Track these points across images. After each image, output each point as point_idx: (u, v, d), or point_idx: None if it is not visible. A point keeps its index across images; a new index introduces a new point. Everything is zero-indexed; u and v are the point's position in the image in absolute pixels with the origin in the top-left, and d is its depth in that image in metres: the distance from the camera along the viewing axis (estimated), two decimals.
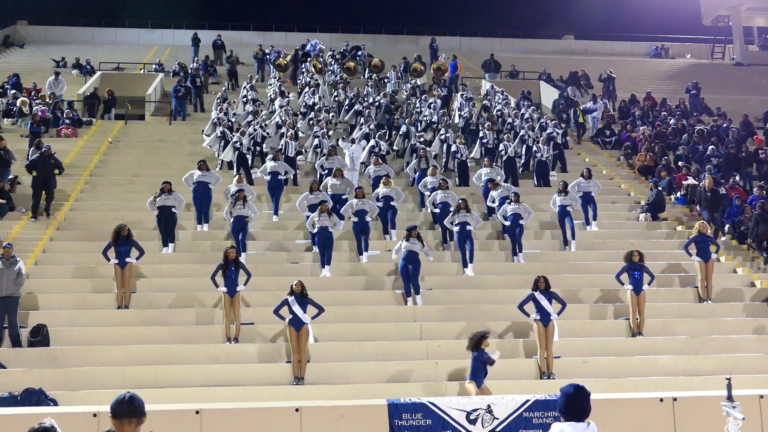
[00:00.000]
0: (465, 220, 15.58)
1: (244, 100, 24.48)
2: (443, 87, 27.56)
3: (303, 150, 20.52)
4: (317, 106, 23.61)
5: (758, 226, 16.71)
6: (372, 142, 20.08)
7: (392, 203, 16.79)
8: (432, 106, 23.50)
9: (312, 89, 25.38)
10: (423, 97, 24.99)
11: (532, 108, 24.94)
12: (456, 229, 15.63)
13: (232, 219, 15.68)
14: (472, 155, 20.90)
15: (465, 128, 22.72)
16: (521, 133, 21.37)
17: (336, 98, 25.73)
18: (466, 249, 15.59)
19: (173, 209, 15.84)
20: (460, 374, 12.36)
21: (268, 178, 17.76)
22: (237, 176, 17.44)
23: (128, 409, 4.72)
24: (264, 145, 20.43)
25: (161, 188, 15.88)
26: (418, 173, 18.71)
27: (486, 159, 19.41)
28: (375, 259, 16.00)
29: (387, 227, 16.84)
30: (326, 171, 18.38)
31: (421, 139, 20.97)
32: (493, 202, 17.36)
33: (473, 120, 22.99)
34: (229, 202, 16.03)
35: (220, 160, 20.24)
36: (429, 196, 17.36)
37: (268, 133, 21.09)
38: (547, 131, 21.47)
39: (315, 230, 15.34)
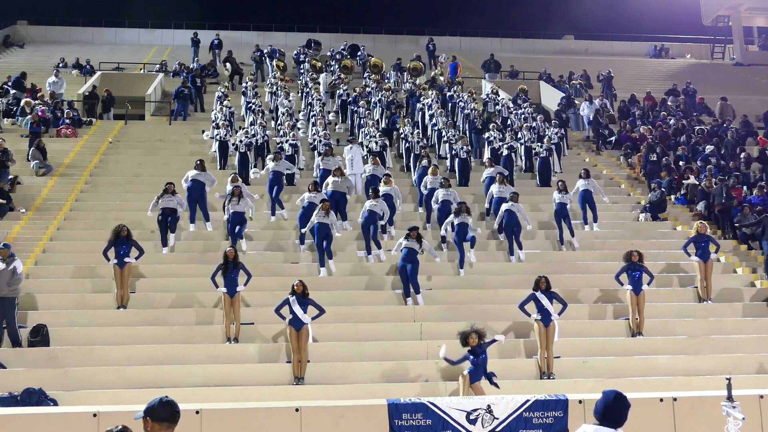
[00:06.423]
0: (465, 221, 15.61)
1: (247, 103, 24.38)
2: (441, 87, 27.46)
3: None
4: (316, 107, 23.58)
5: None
6: (366, 143, 20.04)
7: (391, 201, 16.77)
8: (431, 107, 23.45)
9: (309, 89, 25.38)
10: (425, 102, 24.72)
11: (528, 109, 24.87)
12: (455, 230, 15.61)
13: (228, 215, 15.69)
14: (485, 158, 20.86)
15: (471, 129, 22.67)
16: (519, 134, 21.34)
17: (340, 97, 25.70)
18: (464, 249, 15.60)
19: (176, 211, 15.85)
20: (459, 374, 12.34)
21: (270, 176, 17.71)
22: (233, 175, 17.38)
23: (170, 413, 4.63)
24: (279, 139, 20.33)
25: (165, 188, 15.85)
26: (419, 172, 18.70)
27: (488, 160, 19.44)
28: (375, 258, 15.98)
29: (386, 226, 16.82)
30: (322, 170, 18.33)
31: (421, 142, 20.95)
32: (491, 201, 17.36)
33: (478, 120, 22.95)
34: (225, 200, 16.05)
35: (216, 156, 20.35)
36: (426, 193, 17.35)
37: (268, 135, 21.08)
38: (542, 131, 21.48)
39: (313, 224, 15.30)
